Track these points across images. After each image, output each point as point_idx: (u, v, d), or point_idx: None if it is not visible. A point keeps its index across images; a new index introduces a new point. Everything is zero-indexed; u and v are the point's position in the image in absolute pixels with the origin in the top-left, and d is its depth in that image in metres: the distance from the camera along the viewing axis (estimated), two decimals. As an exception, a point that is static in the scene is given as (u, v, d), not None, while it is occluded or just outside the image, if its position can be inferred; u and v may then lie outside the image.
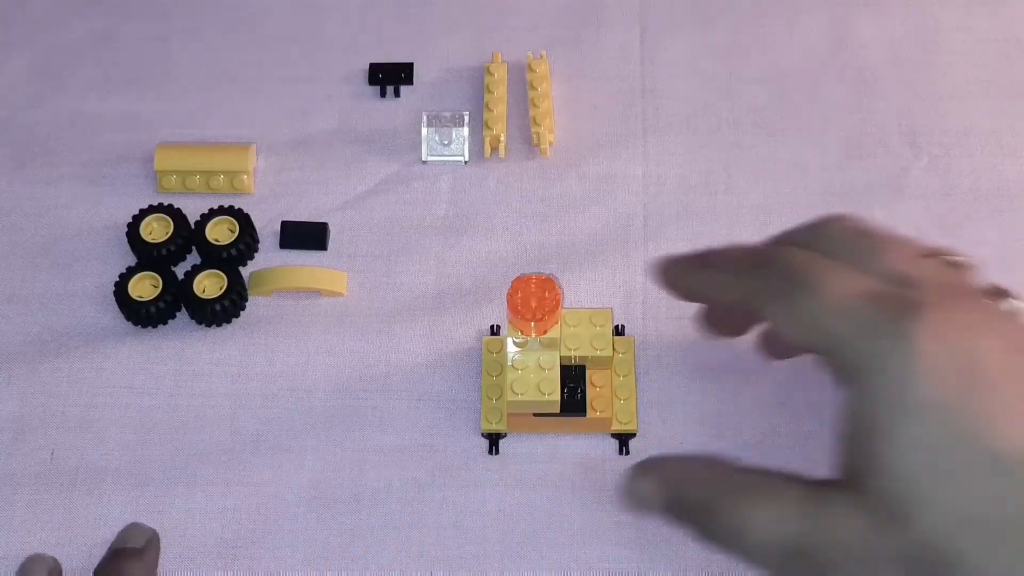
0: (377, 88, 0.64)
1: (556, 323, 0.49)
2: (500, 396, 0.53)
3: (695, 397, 0.54)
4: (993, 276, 0.57)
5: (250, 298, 0.57)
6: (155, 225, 0.58)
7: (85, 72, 0.65)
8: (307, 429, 0.54)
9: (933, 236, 0.58)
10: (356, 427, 0.54)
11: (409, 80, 0.63)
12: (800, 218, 0.59)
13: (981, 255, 0.57)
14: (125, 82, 0.64)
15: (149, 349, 0.56)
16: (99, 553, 0.51)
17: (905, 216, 0.59)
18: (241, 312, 0.57)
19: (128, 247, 0.58)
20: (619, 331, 0.55)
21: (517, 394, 0.49)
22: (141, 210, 0.58)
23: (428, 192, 0.60)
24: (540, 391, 0.49)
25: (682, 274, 0.46)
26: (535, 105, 0.61)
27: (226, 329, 0.57)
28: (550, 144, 0.61)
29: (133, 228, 0.58)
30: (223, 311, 0.56)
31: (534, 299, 0.48)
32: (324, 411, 0.55)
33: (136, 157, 0.62)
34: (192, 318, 0.57)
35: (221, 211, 0.58)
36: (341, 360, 0.56)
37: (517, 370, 0.49)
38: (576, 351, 0.50)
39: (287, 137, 0.62)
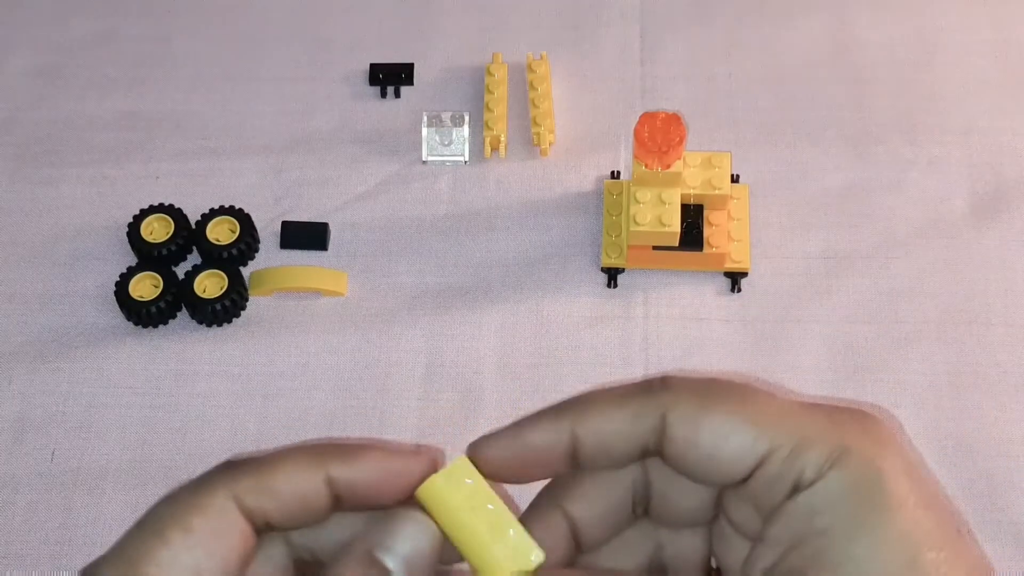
0: (377, 88, 0.64)
1: (679, 158, 0.52)
2: (620, 233, 0.56)
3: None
4: (993, 275, 0.57)
5: (250, 298, 0.57)
6: (156, 225, 0.58)
7: (85, 72, 0.65)
8: (307, 429, 0.54)
9: (932, 236, 0.58)
10: (356, 427, 0.54)
11: (409, 80, 0.64)
12: (799, 217, 0.59)
13: (981, 254, 0.57)
14: (125, 82, 0.64)
15: (150, 349, 0.56)
16: (99, 552, 0.51)
17: (905, 216, 0.59)
18: (241, 312, 0.57)
19: (129, 247, 0.58)
20: (735, 179, 0.58)
21: (639, 225, 0.52)
22: (142, 210, 0.58)
23: (428, 192, 0.60)
24: (661, 223, 0.52)
25: None
26: (535, 105, 0.61)
27: (227, 329, 0.57)
28: (550, 144, 0.61)
29: (134, 228, 0.58)
30: (223, 311, 0.56)
31: (660, 134, 0.50)
32: (324, 411, 0.55)
33: (136, 157, 0.62)
34: (192, 318, 0.57)
35: (222, 211, 0.58)
36: (341, 360, 0.56)
37: (639, 203, 0.52)
38: (695, 189, 0.54)
39: (287, 137, 0.62)
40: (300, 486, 0.31)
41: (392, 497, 0.32)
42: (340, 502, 0.32)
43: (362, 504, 0.32)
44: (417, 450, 0.32)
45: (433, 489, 0.30)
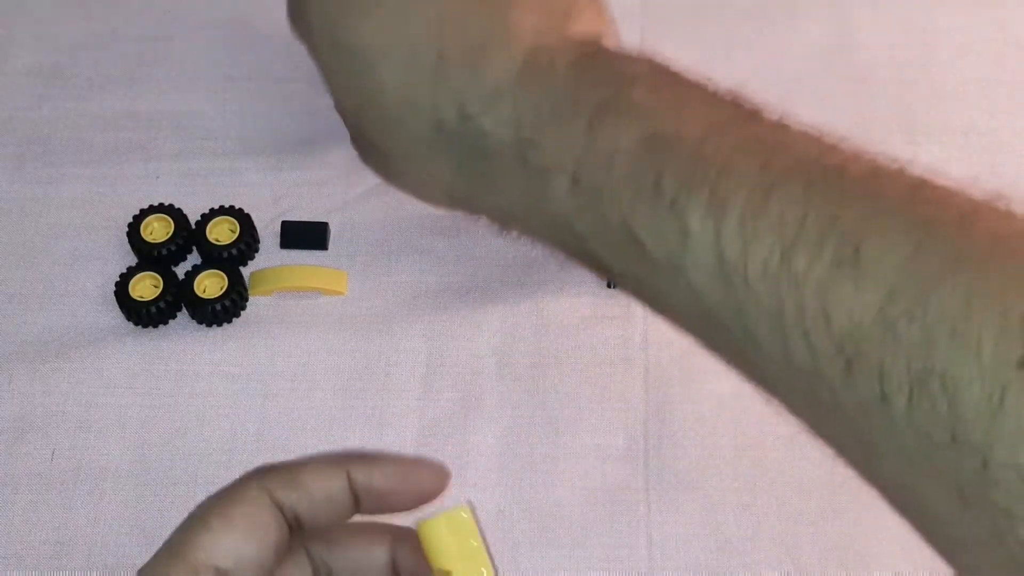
0: (377, 88, 0.64)
1: None
2: None
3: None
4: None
5: (251, 298, 0.57)
6: (156, 225, 0.58)
7: (85, 72, 0.65)
8: (307, 429, 0.54)
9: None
10: (356, 427, 0.54)
11: (409, 80, 0.63)
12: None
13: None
14: (125, 82, 0.64)
15: (150, 349, 0.56)
16: (99, 552, 0.51)
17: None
18: (242, 312, 0.57)
19: (129, 247, 0.58)
20: None
21: None
22: (141, 210, 0.58)
23: (428, 192, 0.60)
24: None
25: None
26: (535, 105, 0.61)
27: (226, 329, 0.57)
28: (550, 144, 0.61)
29: (134, 228, 0.58)
30: (223, 311, 0.56)
31: None
32: (324, 411, 0.55)
33: (136, 157, 0.62)
34: (192, 318, 0.57)
35: (222, 211, 0.58)
36: (341, 360, 0.56)
37: None
38: None
39: (287, 137, 0.62)
40: (325, 482, 0.35)
41: (403, 503, 0.37)
42: (359, 504, 0.36)
43: (376, 508, 0.36)
44: (429, 463, 0.37)
45: (432, 527, 0.35)
